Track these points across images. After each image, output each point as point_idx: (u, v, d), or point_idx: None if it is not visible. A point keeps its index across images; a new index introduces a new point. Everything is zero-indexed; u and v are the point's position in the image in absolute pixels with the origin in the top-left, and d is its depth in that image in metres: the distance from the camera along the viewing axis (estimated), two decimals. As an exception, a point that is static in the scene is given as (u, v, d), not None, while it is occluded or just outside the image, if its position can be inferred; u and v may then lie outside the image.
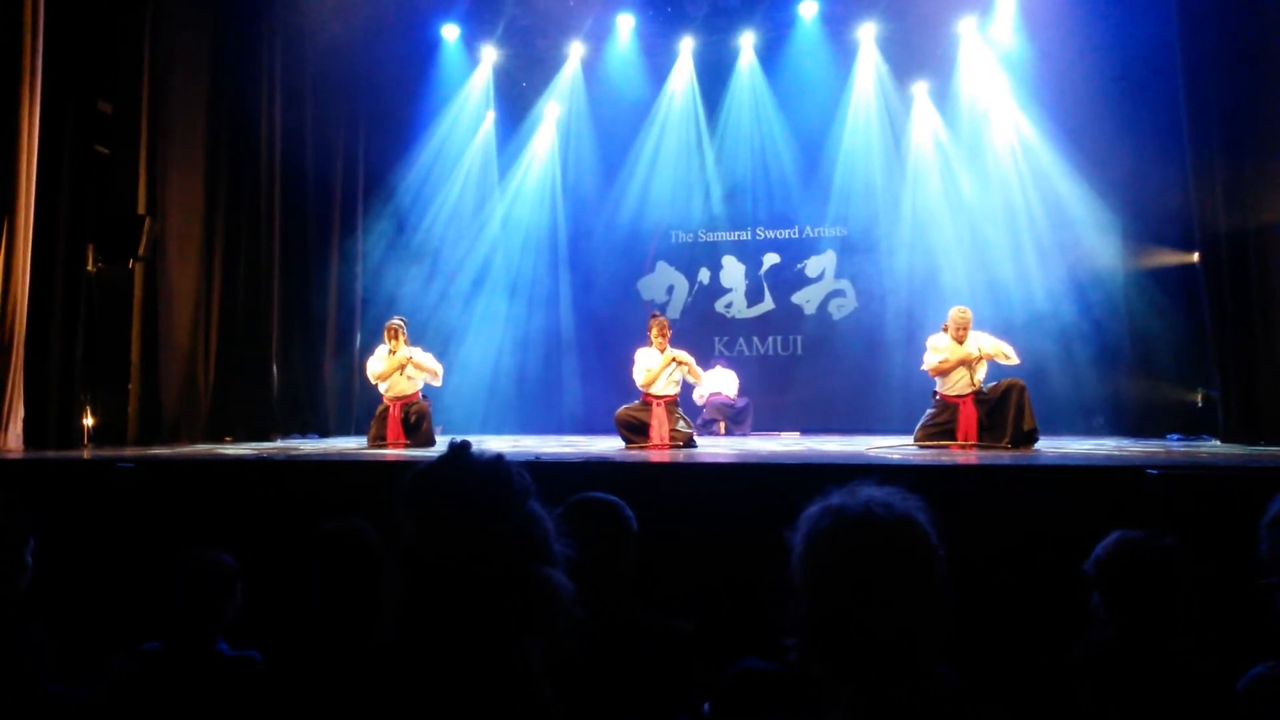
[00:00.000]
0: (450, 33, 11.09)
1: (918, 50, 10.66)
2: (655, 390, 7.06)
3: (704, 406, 10.00)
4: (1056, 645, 2.37)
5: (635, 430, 6.96)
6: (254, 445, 7.59)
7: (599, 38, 11.20)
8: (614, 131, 11.45)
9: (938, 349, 6.89)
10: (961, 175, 10.42)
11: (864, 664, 1.27)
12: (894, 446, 6.80)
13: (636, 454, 6.34)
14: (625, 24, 10.99)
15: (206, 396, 8.19)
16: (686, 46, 11.19)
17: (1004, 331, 7.66)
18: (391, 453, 6.62)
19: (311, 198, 9.75)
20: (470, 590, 1.37)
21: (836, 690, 1.29)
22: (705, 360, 9.86)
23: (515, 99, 11.69)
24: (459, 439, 1.52)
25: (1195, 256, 7.92)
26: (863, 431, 9.45)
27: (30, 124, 6.37)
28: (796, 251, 11.25)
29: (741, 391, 10.30)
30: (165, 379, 7.77)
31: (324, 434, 9.43)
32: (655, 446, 6.83)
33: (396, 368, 7.26)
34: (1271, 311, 7.00)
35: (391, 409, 7.26)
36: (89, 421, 7.16)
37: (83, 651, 2.93)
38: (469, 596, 1.36)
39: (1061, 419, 8.88)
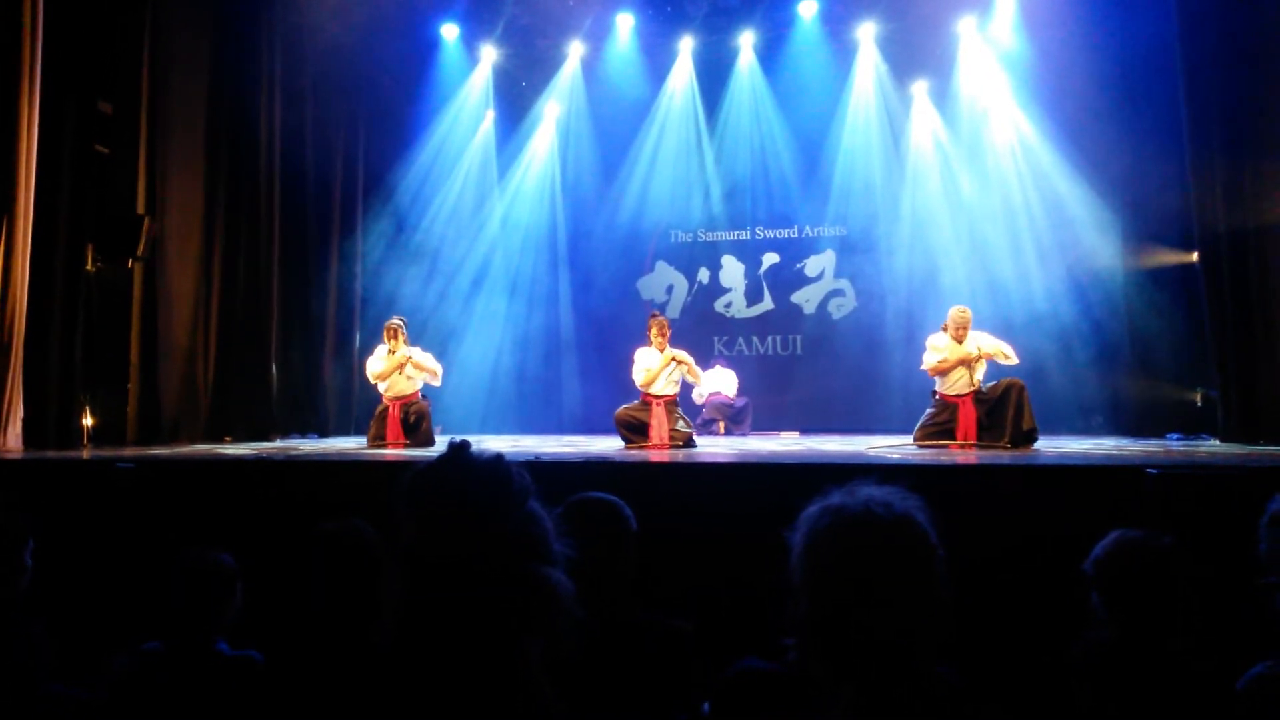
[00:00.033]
0: (450, 32, 11.09)
1: (917, 50, 10.66)
2: (655, 390, 7.06)
3: (703, 406, 10.00)
4: (1056, 645, 2.37)
5: (635, 430, 6.96)
6: (253, 445, 7.59)
7: (598, 37, 11.20)
8: (613, 131, 11.45)
9: (937, 348, 6.89)
10: (961, 175, 10.42)
11: (864, 664, 1.27)
12: (893, 446, 6.80)
13: (636, 454, 6.35)
14: (625, 23, 10.99)
15: (206, 396, 8.19)
16: (686, 46, 11.19)
17: (1003, 331, 7.66)
18: (391, 453, 6.62)
19: (311, 197, 9.75)
20: (470, 590, 1.37)
21: (836, 690, 1.30)
22: (705, 360, 9.86)
23: (515, 98, 11.69)
24: (458, 439, 1.52)
25: (1195, 256, 7.93)
26: (862, 431, 9.45)
27: (30, 123, 6.37)
28: (796, 251, 11.25)
29: (741, 391, 10.30)
30: (165, 379, 7.77)
31: (323, 434, 9.43)
32: (655, 446, 6.83)
33: (396, 367, 7.26)
34: (1271, 311, 7.00)
35: (391, 409, 7.26)
36: (88, 421, 7.16)
37: (83, 651, 2.93)
38: (469, 596, 1.37)
39: (1061, 418, 8.88)
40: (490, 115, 11.55)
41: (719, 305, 11.45)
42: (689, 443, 6.95)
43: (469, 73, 11.27)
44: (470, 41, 11.21)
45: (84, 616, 3.65)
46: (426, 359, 7.40)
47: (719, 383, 10.15)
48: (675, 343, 7.37)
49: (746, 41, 11.08)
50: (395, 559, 1.44)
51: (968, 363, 6.79)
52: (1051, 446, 6.57)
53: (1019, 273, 9.79)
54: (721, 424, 9.89)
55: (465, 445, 1.49)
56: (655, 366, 7.08)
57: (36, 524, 2.71)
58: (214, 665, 2.46)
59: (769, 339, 11.27)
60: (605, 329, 11.07)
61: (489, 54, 11.28)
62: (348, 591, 2.35)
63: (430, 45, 11.10)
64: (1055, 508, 3.78)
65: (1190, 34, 7.57)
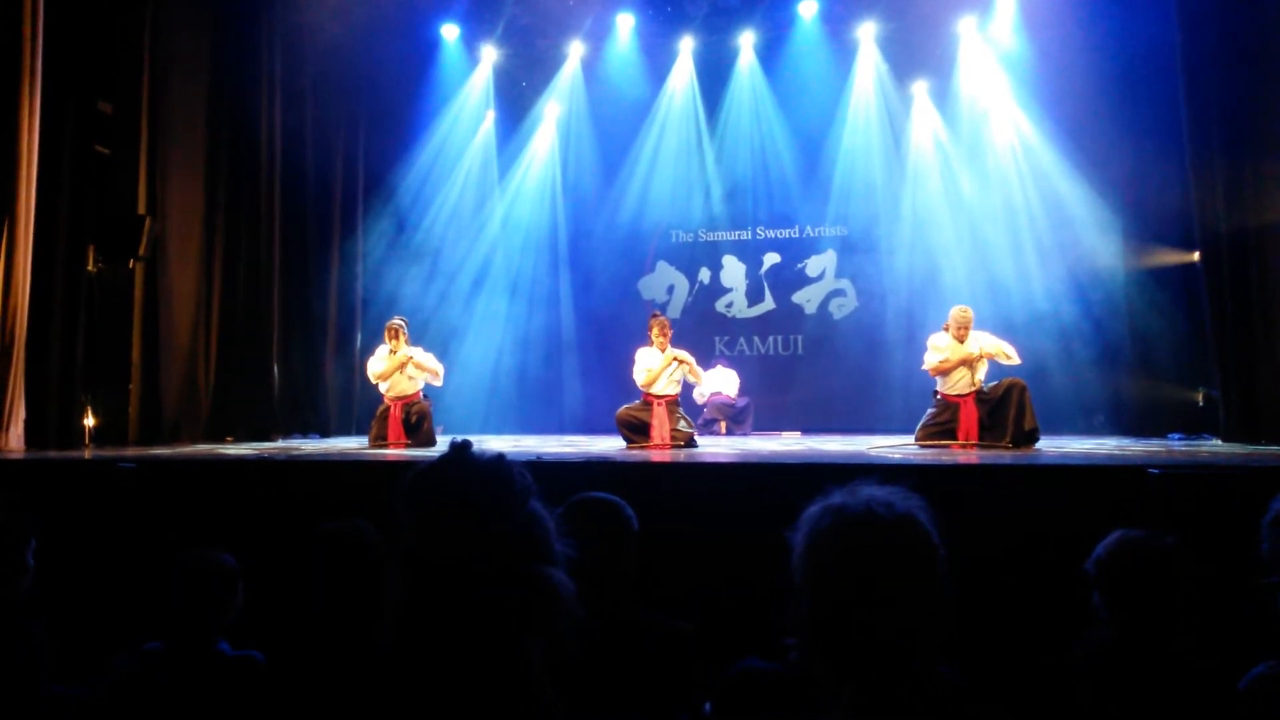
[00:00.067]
0: (450, 32, 11.09)
1: (918, 50, 10.65)
2: (656, 390, 7.06)
3: (705, 406, 10.00)
4: (1057, 645, 2.37)
5: (636, 430, 6.96)
6: (255, 445, 7.59)
7: (599, 37, 11.20)
8: (614, 131, 11.44)
9: (938, 348, 6.89)
10: (961, 175, 10.41)
11: (865, 664, 1.26)
12: (895, 446, 6.80)
13: (637, 454, 6.34)
14: (625, 23, 10.99)
15: (207, 396, 8.20)
16: (686, 46, 11.19)
17: (1004, 331, 7.66)
18: (392, 453, 6.62)
19: (312, 198, 9.75)
20: (471, 590, 1.37)
21: (837, 690, 1.29)
22: (706, 360, 9.86)
23: (515, 99, 11.69)
24: (460, 439, 1.52)
25: (1195, 256, 7.92)
26: (863, 431, 9.45)
27: (30, 124, 6.37)
28: (797, 251, 11.24)
29: (742, 391, 10.30)
30: (166, 379, 7.77)
31: (325, 434, 9.43)
32: (656, 446, 6.83)
33: (397, 367, 7.26)
34: (1272, 311, 7.00)
35: (392, 409, 7.26)
36: (90, 422, 7.17)
37: (83, 651, 2.93)
38: (470, 596, 1.36)
39: (1062, 418, 8.87)
40: (491, 115, 11.55)
41: (720, 305, 11.45)
42: (690, 443, 6.94)
43: (469, 73, 11.27)
44: (470, 42, 11.21)
45: (85, 616, 3.65)
46: (428, 359, 7.40)
47: (720, 383, 10.15)
48: (676, 343, 7.36)
49: (747, 41, 11.08)
50: (396, 559, 1.44)
51: (969, 363, 6.79)
52: (1053, 446, 6.56)
53: (1020, 272, 9.79)
54: (723, 424, 9.89)
55: (467, 445, 1.49)
56: (656, 366, 7.08)
57: (38, 524, 2.71)
58: (215, 665, 2.46)
59: (770, 339, 11.27)
60: (606, 329, 11.07)
61: (489, 54, 11.28)
62: (349, 592, 2.35)
63: (430, 45, 11.10)
64: (1057, 508, 3.78)
65: (1190, 34, 7.57)
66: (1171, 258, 8.72)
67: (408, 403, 7.30)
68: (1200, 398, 8.49)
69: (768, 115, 11.13)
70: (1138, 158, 8.75)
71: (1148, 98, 8.55)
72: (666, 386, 7.11)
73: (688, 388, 7.86)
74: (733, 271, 11.43)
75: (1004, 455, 5.96)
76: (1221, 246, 7.27)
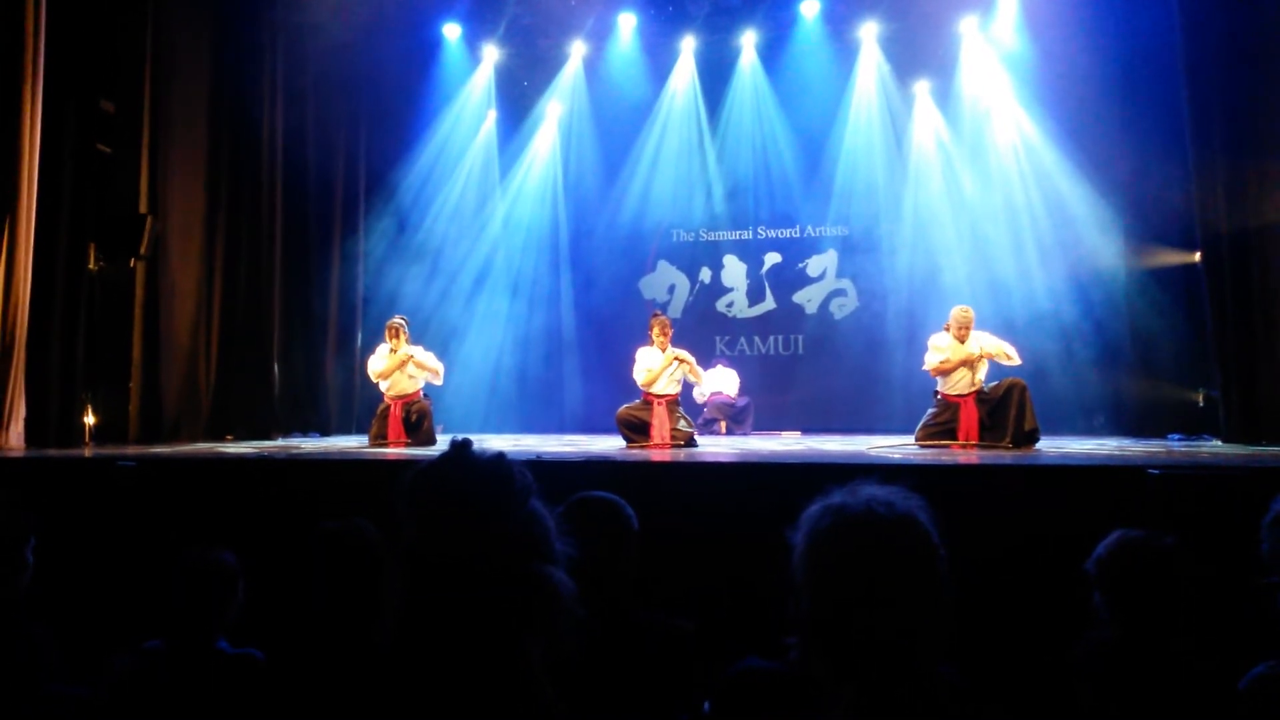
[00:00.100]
0: (452, 31, 11.09)
1: (919, 49, 10.65)
2: (656, 389, 7.06)
3: (705, 406, 10.00)
4: (1057, 645, 2.37)
5: (636, 429, 6.96)
6: (255, 444, 7.59)
7: (600, 37, 11.20)
8: (615, 130, 11.44)
9: (939, 348, 6.88)
10: (963, 174, 10.41)
11: (865, 663, 1.26)
12: (895, 446, 6.80)
13: (638, 453, 6.35)
14: (627, 23, 10.98)
15: (208, 395, 8.20)
16: (688, 46, 11.19)
17: (1005, 331, 7.66)
18: (393, 451, 6.62)
19: (313, 197, 9.76)
20: (471, 589, 1.37)
21: (837, 689, 1.29)
22: (706, 360, 9.87)
23: (517, 98, 11.69)
24: (460, 437, 1.52)
25: (1197, 256, 7.91)
26: (864, 431, 9.44)
27: (32, 123, 6.38)
28: (798, 251, 11.24)
29: (742, 391, 10.30)
30: (166, 378, 7.78)
31: (325, 433, 9.43)
32: (656, 446, 6.83)
33: (397, 366, 7.27)
34: (1273, 311, 6.99)
35: (393, 408, 7.27)
36: (90, 420, 7.17)
37: (83, 650, 2.93)
38: (470, 595, 1.36)
39: (1063, 419, 8.87)
40: (492, 115, 11.55)
41: (721, 305, 11.45)
42: (690, 442, 6.94)
43: (471, 72, 11.27)
44: (472, 41, 11.20)
45: (85, 615, 3.65)
46: (428, 358, 7.41)
47: (720, 382, 10.15)
48: (677, 342, 7.36)
49: (748, 41, 11.07)
50: (397, 558, 1.44)
51: (970, 363, 6.79)
52: (1053, 447, 6.56)
53: (1021, 272, 9.78)
54: (723, 423, 9.89)
55: (467, 444, 1.49)
56: (657, 366, 7.08)
57: (38, 522, 2.71)
58: (215, 664, 2.46)
59: (771, 339, 11.27)
60: (607, 328, 11.07)
61: (491, 53, 11.28)
62: (349, 590, 2.35)
63: (432, 45, 11.10)
64: (1057, 508, 3.78)
65: (1192, 34, 7.56)
66: (1173, 258, 8.72)
67: (408, 401, 7.31)
68: (1200, 398, 8.48)
69: (769, 115, 11.12)
70: (1139, 158, 8.74)
71: (1149, 97, 8.54)
72: (667, 386, 7.11)
73: (688, 387, 7.86)
74: (734, 271, 11.43)
75: (1004, 455, 5.96)
76: (1223, 247, 7.26)
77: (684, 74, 11.28)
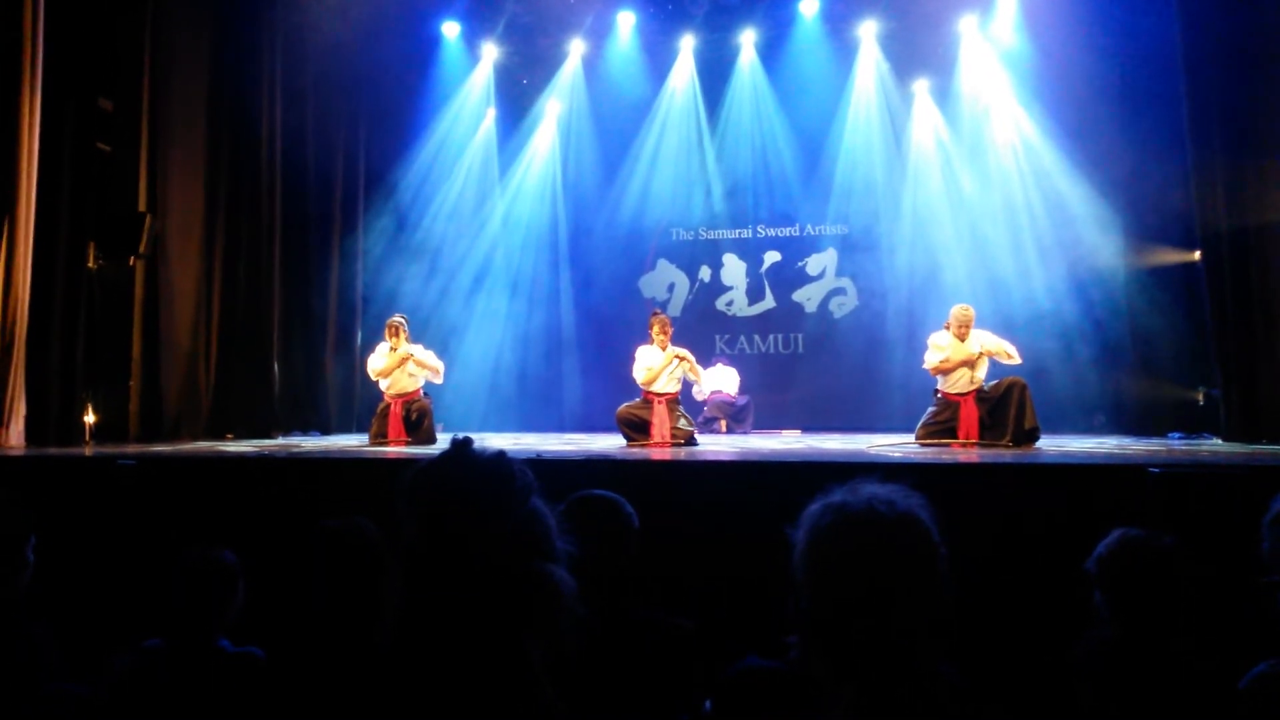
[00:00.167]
0: (451, 30, 11.08)
1: (919, 48, 10.65)
2: (656, 388, 7.06)
3: (705, 404, 10.00)
4: (1058, 644, 2.37)
5: (636, 428, 6.96)
6: (255, 443, 7.59)
7: (600, 35, 11.20)
8: (615, 129, 11.44)
9: (939, 347, 6.88)
10: (962, 173, 10.41)
11: (865, 662, 1.26)
12: (895, 444, 6.80)
13: (638, 452, 6.34)
14: (626, 21, 10.98)
15: (208, 394, 8.20)
16: (687, 44, 11.18)
17: (1005, 330, 7.66)
18: (393, 450, 6.62)
19: (312, 195, 9.75)
20: (472, 587, 1.37)
21: (837, 688, 1.29)
22: (706, 358, 9.87)
23: (516, 96, 11.69)
24: (461, 436, 1.51)
25: (1196, 255, 7.92)
26: (864, 429, 9.44)
27: (31, 122, 6.37)
28: (797, 249, 11.24)
29: (742, 389, 10.31)
30: (166, 376, 7.77)
31: (325, 431, 9.43)
32: (656, 444, 6.82)
33: (397, 364, 7.27)
34: (1273, 310, 7.00)
35: (393, 406, 7.27)
36: (90, 419, 7.16)
37: (84, 649, 2.93)
38: (471, 594, 1.36)
39: (1063, 417, 8.86)
40: (491, 113, 11.55)
41: (720, 303, 11.45)
42: (690, 441, 6.94)
43: (470, 71, 11.26)
44: (471, 39, 11.20)
45: (85, 614, 3.65)
46: (428, 356, 7.41)
47: (720, 381, 10.15)
48: (677, 341, 7.36)
49: (748, 39, 11.07)
50: (397, 556, 1.44)
51: (970, 362, 6.79)
52: (1053, 445, 6.56)
53: (1020, 271, 9.79)
54: (723, 422, 9.89)
55: (467, 443, 1.49)
56: (657, 365, 7.07)
57: (38, 520, 2.71)
58: (215, 663, 2.46)
59: (770, 337, 11.27)
60: (606, 327, 11.07)
61: (490, 52, 11.27)
62: (349, 589, 2.35)
63: (431, 43, 11.10)
64: (1057, 507, 3.78)
65: (1191, 33, 7.56)
66: (1172, 257, 8.72)
67: (408, 400, 7.31)
68: (1200, 397, 8.48)
69: (768, 113, 11.12)
70: (1139, 157, 8.75)
71: (1149, 97, 8.54)
72: (667, 385, 7.11)
73: (688, 386, 7.85)
74: (733, 270, 11.43)
75: (1004, 454, 5.96)
76: (1222, 246, 7.27)
77: (683, 72, 11.28)
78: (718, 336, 11.30)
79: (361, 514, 2.52)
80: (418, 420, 7.23)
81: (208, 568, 2.52)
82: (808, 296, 11.18)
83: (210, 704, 2.39)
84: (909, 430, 7.23)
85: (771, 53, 11.07)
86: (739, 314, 11.39)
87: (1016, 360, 6.80)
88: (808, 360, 11.03)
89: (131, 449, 6.17)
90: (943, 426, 6.79)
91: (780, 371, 11.04)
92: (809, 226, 11.21)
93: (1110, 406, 9.32)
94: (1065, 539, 2.82)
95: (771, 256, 11.31)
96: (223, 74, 8.57)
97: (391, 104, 10.95)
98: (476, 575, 1.38)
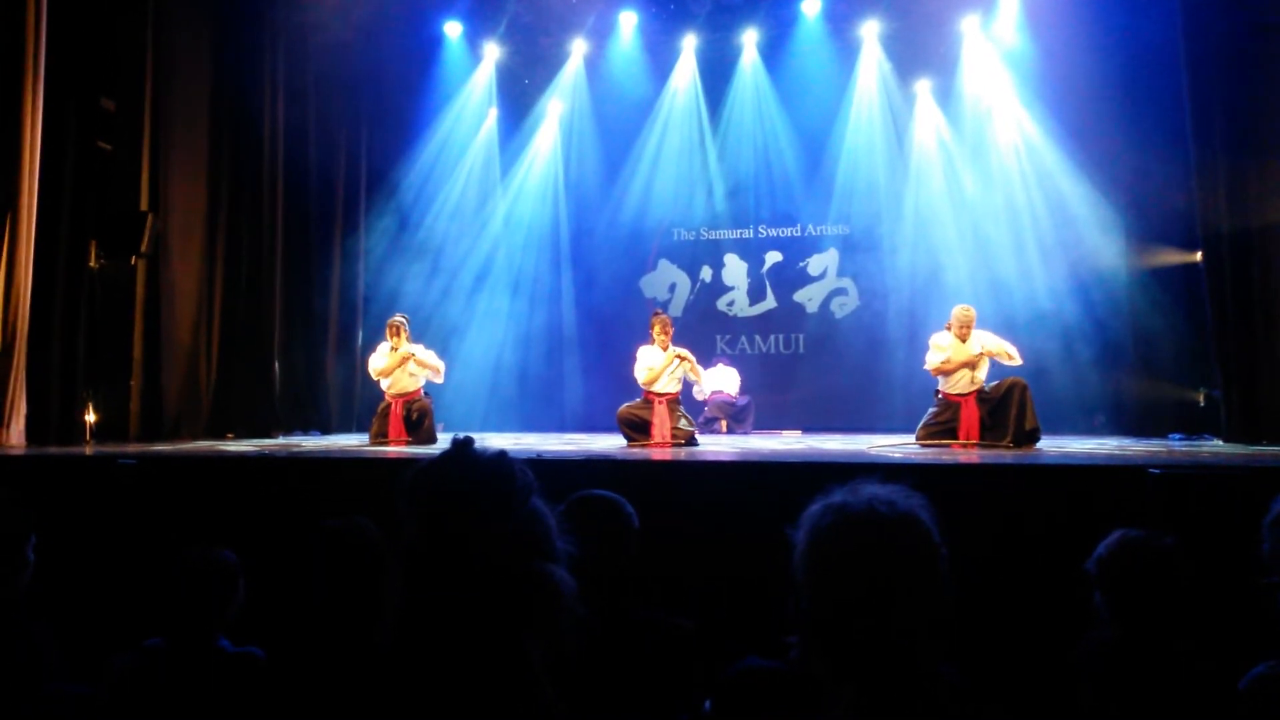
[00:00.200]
0: (453, 30, 11.08)
1: (921, 48, 10.64)
2: (657, 388, 7.06)
3: (706, 404, 10.00)
4: (1058, 644, 2.37)
5: (637, 428, 6.96)
6: (256, 442, 7.59)
7: (601, 35, 11.20)
8: (616, 129, 11.44)
9: (940, 347, 6.88)
10: (964, 173, 10.40)
11: (865, 662, 1.26)
12: (896, 445, 6.80)
13: (638, 452, 6.34)
14: (628, 21, 10.98)
15: (208, 393, 8.21)
16: (689, 44, 11.18)
17: (1006, 330, 7.65)
18: (393, 450, 6.62)
19: (314, 195, 9.76)
20: (472, 587, 1.37)
21: (837, 689, 1.29)
22: (707, 358, 9.87)
23: (518, 96, 11.69)
24: (461, 436, 1.51)
25: (1198, 256, 7.91)
26: (865, 430, 9.44)
27: (33, 121, 6.38)
28: (799, 249, 11.24)
29: (743, 390, 10.30)
30: (167, 375, 7.78)
31: (326, 431, 9.44)
32: (657, 444, 6.82)
33: (398, 364, 7.27)
34: (1274, 311, 6.99)
35: (394, 406, 7.27)
36: (91, 418, 7.17)
37: (84, 648, 2.93)
38: (471, 594, 1.36)
39: (1063, 418, 8.85)
40: (493, 113, 11.55)
41: (721, 304, 11.45)
42: (691, 441, 6.94)
43: (472, 70, 11.26)
44: (473, 39, 11.20)
45: (86, 613, 3.65)
46: (429, 356, 7.41)
47: (721, 381, 10.15)
48: (678, 341, 7.37)
49: (750, 39, 11.07)
50: (397, 556, 1.44)
51: (971, 362, 6.78)
52: (1054, 446, 6.56)
53: (1022, 272, 9.77)
54: (724, 422, 9.89)
55: (468, 442, 1.48)
56: (658, 365, 7.08)
57: (38, 520, 2.71)
58: (215, 662, 2.46)
59: (771, 337, 11.26)
60: (607, 327, 11.07)
61: (492, 51, 11.27)
62: (350, 589, 2.35)
63: (433, 43, 11.10)
64: (1058, 507, 3.78)
65: (1193, 33, 7.56)
66: (1174, 258, 8.72)
67: (409, 400, 7.31)
68: (1201, 398, 8.48)
69: (770, 113, 11.12)
70: (1140, 157, 8.74)
71: (1151, 97, 8.54)
72: (667, 385, 7.11)
73: (688, 386, 7.86)
74: (734, 270, 11.43)
75: (1005, 455, 5.96)
76: (1224, 247, 7.26)
77: (685, 72, 11.27)
78: (719, 336, 11.30)
79: (361, 514, 2.52)
80: (418, 420, 7.23)
81: (208, 567, 2.52)
82: (809, 297, 11.18)
83: (210, 704, 2.39)
84: (910, 431, 7.23)
85: (773, 53, 11.07)
86: (740, 314, 11.39)
87: (1017, 361, 6.80)
88: (809, 361, 11.03)
89: (132, 448, 6.17)
90: (943, 427, 6.79)
91: (781, 372, 11.04)
92: (810, 227, 11.21)
93: (1111, 407, 9.31)
94: (1065, 540, 2.82)
95: (773, 257, 11.30)
96: (224, 73, 8.58)
97: (393, 103, 10.95)
98: (477, 575, 1.38)
